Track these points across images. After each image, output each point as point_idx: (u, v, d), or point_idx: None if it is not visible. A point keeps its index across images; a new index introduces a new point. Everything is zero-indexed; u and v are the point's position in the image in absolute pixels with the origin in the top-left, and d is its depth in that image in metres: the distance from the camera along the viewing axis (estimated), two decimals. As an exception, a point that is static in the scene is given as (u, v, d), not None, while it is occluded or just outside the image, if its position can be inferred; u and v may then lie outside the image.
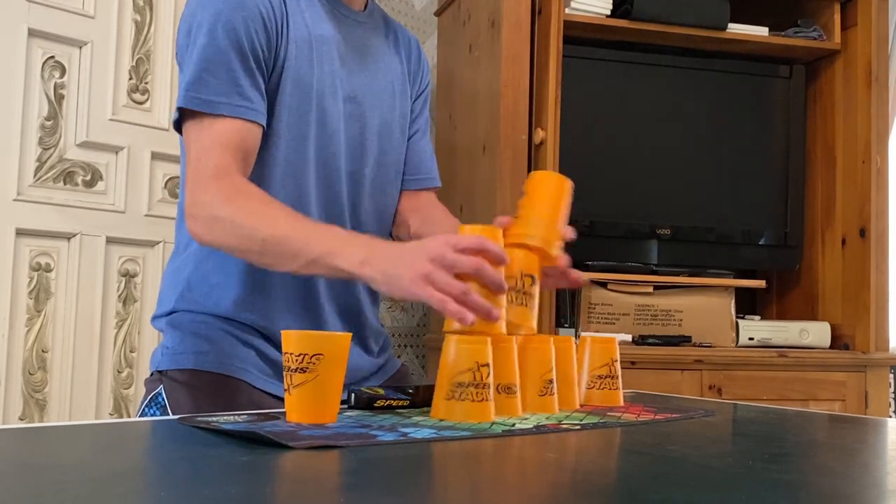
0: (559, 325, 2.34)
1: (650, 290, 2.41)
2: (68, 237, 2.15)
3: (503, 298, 1.05)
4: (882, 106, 2.48)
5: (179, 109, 1.21)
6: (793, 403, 2.26)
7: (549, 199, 1.16)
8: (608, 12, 2.39)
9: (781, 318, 2.68)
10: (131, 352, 2.24)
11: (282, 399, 1.18)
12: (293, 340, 0.94)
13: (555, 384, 1.11)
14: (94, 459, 0.78)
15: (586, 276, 1.29)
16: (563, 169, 2.28)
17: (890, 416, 2.64)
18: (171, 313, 1.31)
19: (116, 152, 2.23)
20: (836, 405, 2.35)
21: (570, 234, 1.17)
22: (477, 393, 0.98)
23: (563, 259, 1.18)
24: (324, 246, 1.10)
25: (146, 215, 2.27)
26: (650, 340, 2.34)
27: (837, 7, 2.54)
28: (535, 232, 1.13)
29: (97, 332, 2.18)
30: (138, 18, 2.28)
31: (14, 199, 2.06)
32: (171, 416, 0.99)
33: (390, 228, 1.47)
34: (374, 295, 1.42)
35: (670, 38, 2.45)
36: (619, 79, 2.49)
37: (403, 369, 1.47)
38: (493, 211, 2.27)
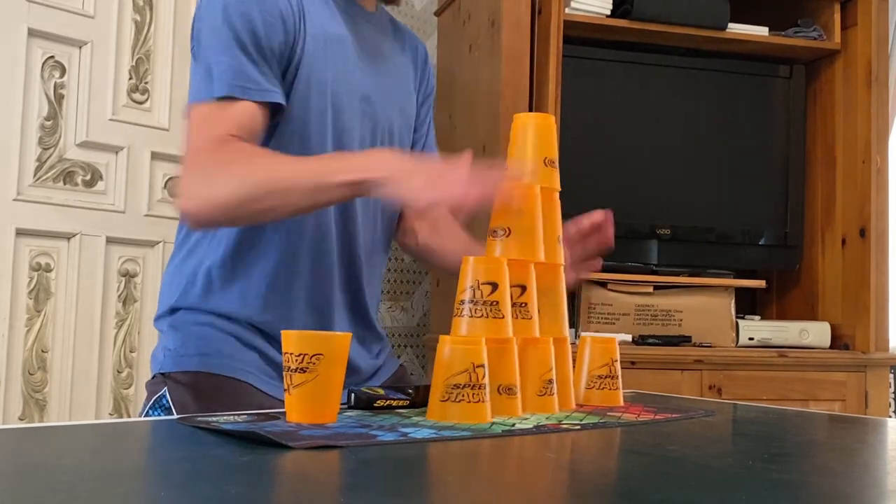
0: (559, 325, 2.34)
1: (650, 290, 2.41)
2: (68, 237, 2.15)
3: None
4: (882, 106, 2.48)
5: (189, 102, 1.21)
6: (793, 403, 2.26)
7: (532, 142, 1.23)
8: (608, 12, 2.39)
9: (781, 318, 2.68)
10: (131, 352, 2.24)
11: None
12: (293, 340, 0.94)
13: (555, 384, 1.11)
14: (94, 459, 0.78)
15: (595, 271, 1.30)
16: (564, 169, 2.27)
17: (890, 416, 2.64)
18: (172, 312, 1.31)
19: (116, 152, 2.23)
20: (836, 405, 2.35)
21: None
22: (473, 394, 0.98)
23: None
24: (345, 171, 1.10)
25: (146, 215, 2.27)
26: (650, 340, 2.34)
27: (837, 7, 2.54)
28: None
29: (97, 332, 2.18)
30: (138, 18, 2.28)
31: (14, 199, 2.06)
32: (172, 417, 0.99)
33: (395, 229, 1.47)
34: (376, 298, 1.42)
35: (670, 38, 2.45)
36: (619, 79, 2.49)
37: (401, 370, 1.47)
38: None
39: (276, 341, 1.26)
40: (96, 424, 1.00)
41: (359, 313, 1.37)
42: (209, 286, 1.28)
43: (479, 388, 0.98)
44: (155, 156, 2.29)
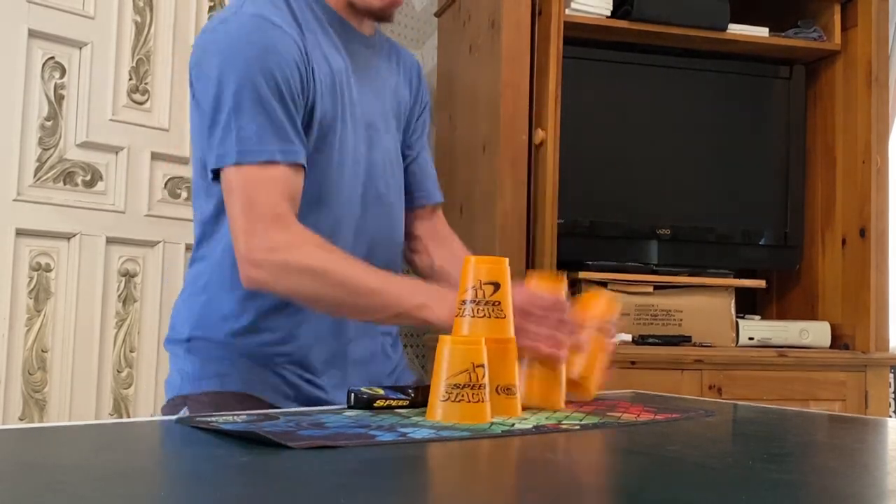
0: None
1: (650, 290, 2.41)
2: (68, 237, 2.15)
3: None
4: (882, 106, 2.48)
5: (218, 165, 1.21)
6: (793, 403, 2.26)
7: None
8: (608, 13, 2.38)
9: (781, 318, 2.67)
10: (131, 352, 2.24)
11: None
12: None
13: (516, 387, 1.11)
14: (94, 459, 0.78)
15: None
16: (564, 169, 2.28)
17: (890, 416, 2.64)
18: (189, 339, 1.31)
19: (116, 152, 2.23)
20: (836, 405, 2.35)
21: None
22: (473, 394, 0.98)
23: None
24: (414, 299, 1.16)
25: (146, 215, 2.27)
26: (650, 340, 2.34)
27: (837, 7, 2.54)
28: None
29: (97, 332, 2.18)
30: (138, 19, 2.28)
31: (14, 199, 2.06)
32: (171, 417, 0.99)
33: (400, 247, 1.46)
34: None
35: (670, 38, 2.45)
36: (619, 79, 2.49)
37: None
38: (493, 211, 2.27)
39: (293, 362, 1.28)
40: (96, 424, 1.00)
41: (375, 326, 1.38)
42: (224, 318, 1.29)
43: (479, 388, 0.98)
44: (155, 156, 2.29)
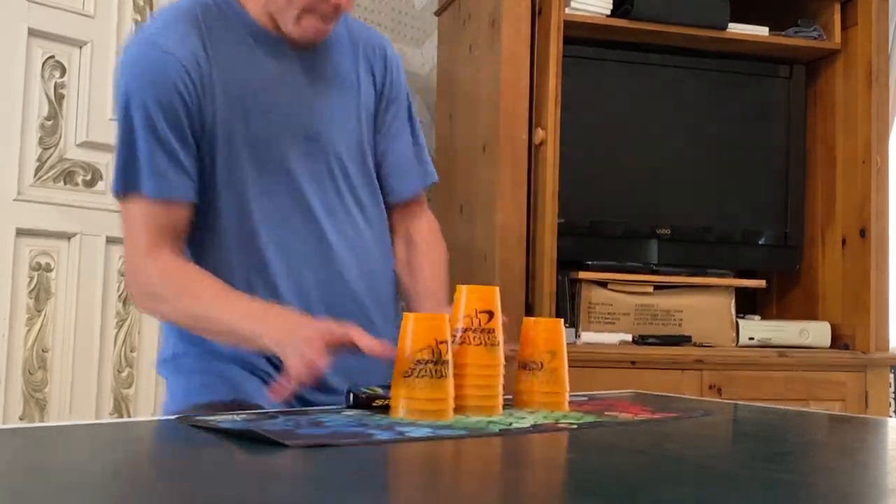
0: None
1: (650, 290, 2.41)
2: (68, 237, 2.15)
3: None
4: (882, 106, 2.48)
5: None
6: (793, 403, 2.26)
7: None
8: (608, 12, 2.38)
9: (781, 318, 2.67)
10: (131, 351, 2.24)
11: None
12: None
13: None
14: (95, 459, 0.78)
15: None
16: (564, 169, 2.28)
17: (890, 416, 2.64)
18: (174, 357, 1.33)
19: (116, 152, 2.23)
20: (836, 405, 2.35)
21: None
22: (436, 369, 0.99)
23: None
24: (249, 327, 1.18)
25: (146, 215, 2.27)
26: (650, 340, 2.34)
27: (837, 7, 2.54)
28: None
29: (97, 331, 2.18)
30: (138, 18, 2.28)
31: (14, 199, 2.06)
32: (171, 416, 0.99)
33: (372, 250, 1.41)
34: (383, 295, 1.40)
35: (670, 37, 2.45)
36: (619, 79, 2.49)
37: None
38: (493, 211, 2.27)
39: (278, 365, 1.26)
40: (96, 424, 1.00)
41: (375, 300, 1.36)
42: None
43: (442, 364, 0.99)
44: (155, 156, 2.29)
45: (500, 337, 1.08)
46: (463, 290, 1.09)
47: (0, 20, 2.04)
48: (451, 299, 1.14)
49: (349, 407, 1.07)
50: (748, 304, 2.71)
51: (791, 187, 2.58)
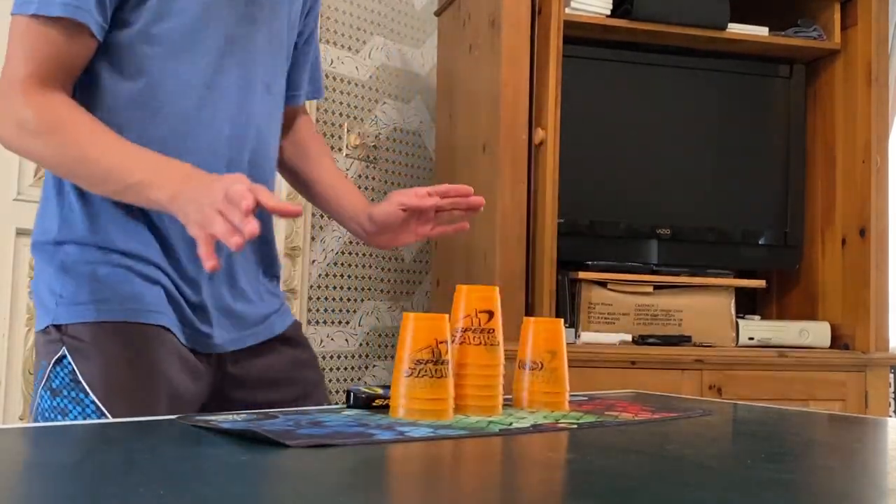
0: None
1: (650, 290, 2.41)
2: (68, 237, 2.15)
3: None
4: (882, 106, 2.48)
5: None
6: (793, 403, 2.26)
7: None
8: (608, 12, 2.39)
9: (781, 318, 2.68)
10: (131, 352, 2.24)
11: (208, 355, 1.19)
12: None
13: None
14: (93, 459, 0.78)
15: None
16: (564, 169, 2.28)
17: (890, 416, 2.65)
18: (55, 244, 1.16)
19: (116, 152, 2.23)
20: (836, 405, 2.35)
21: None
22: (436, 369, 0.99)
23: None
24: (139, 174, 1.06)
25: (146, 215, 2.27)
26: (650, 340, 2.34)
27: (837, 7, 2.54)
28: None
29: (97, 331, 2.17)
30: (138, 18, 2.28)
31: (14, 199, 2.06)
32: (171, 416, 0.98)
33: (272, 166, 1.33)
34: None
35: (670, 38, 2.45)
36: (619, 79, 2.49)
37: (296, 324, 1.37)
38: (493, 211, 2.27)
39: (181, 275, 1.17)
40: (96, 424, 1.00)
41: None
42: (93, 216, 1.15)
43: (442, 364, 0.99)
44: (155, 156, 2.29)
45: (500, 337, 1.09)
46: (463, 290, 1.10)
47: (1, 15, 2.04)
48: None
49: (349, 407, 1.07)
50: (748, 304, 2.71)
51: (791, 187, 2.58)
